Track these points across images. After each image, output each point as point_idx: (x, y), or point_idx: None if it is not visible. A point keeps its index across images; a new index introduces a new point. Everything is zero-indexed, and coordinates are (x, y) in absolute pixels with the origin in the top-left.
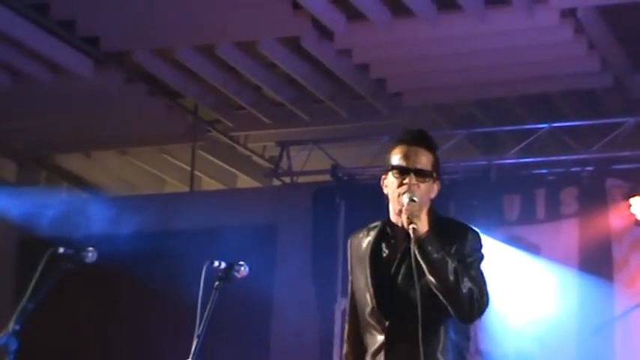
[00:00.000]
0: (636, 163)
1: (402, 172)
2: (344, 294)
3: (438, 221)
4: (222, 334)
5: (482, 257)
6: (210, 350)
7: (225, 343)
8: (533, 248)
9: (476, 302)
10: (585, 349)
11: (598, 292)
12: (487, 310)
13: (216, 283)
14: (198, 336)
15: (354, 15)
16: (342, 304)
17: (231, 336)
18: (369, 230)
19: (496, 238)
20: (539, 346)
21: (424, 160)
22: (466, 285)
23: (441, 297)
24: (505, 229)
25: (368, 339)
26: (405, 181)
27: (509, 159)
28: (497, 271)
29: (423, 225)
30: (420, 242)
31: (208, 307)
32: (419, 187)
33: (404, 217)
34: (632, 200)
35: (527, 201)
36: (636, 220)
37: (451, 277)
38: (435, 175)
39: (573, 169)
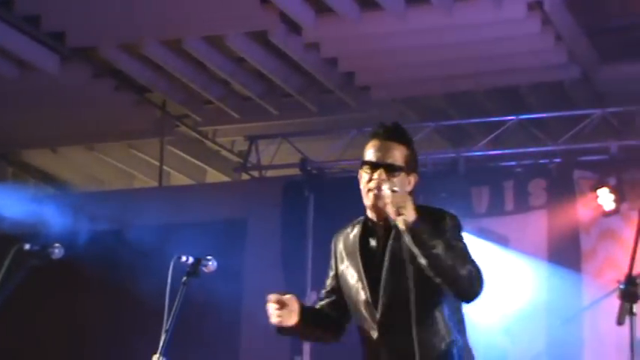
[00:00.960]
0: (603, 155)
1: (373, 167)
2: (314, 287)
3: (417, 210)
4: (192, 328)
5: (462, 239)
6: (180, 345)
7: (195, 338)
8: (502, 240)
9: (475, 280)
10: (554, 340)
11: (566, 283)
12: (482, 290)
13: (184, 277)
14: (166, 331)
15: (322, 9)
16: (312, 297)
17: (201, 331)
18: (354, 226)
19: (465, 230)
20: (509, 337)
21: (396, 154)
22: (465, 266)
23: (440, 281)
24: (474, 222)
25: (364, 332)
26: (374, 177)
27: (478, 151)
28: None
29: (410, 213)
30: (413, 230)
31: (176, 301)
32: (390, 181)
33: (390, 209)
34: (599, 191)
35: (496, 193)
36: (603, 212)
37: (448, 262)
38: (407, 168)
39: (541, 161)
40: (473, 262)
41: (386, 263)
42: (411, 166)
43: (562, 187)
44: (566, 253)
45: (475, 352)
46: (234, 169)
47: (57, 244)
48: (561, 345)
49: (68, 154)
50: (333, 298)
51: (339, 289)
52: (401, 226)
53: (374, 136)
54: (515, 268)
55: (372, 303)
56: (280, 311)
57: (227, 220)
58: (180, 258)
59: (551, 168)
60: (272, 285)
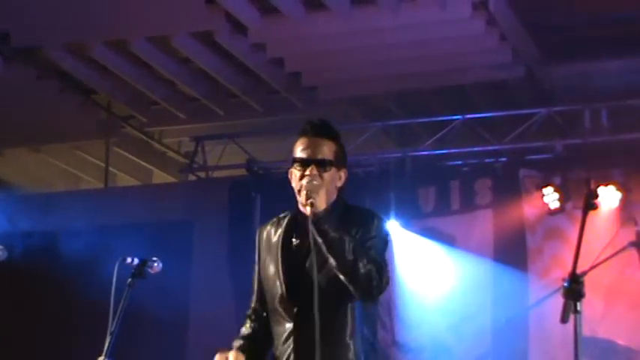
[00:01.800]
0: (548, 154)
1: (304, 164)
2: None
3: (346, 209)
4: (139, 330)
5: (386, 240)
6: (127, 347)
7: (141, 340)
8: (448, 239)
9: (374, 282)
10: (500, 338)
11: (512, 282)
12: (384, 290)
13: (129, 279)
14: (112, 333)
15: (268, 9)
16: None
17: (148, 332)
18: (279, 220)
19: (412, 230)
20: (455, 336)
21: (325, 150)
22: (365, 265)
23: (340, 276)
24: (420, 221)
25: (276, 328)
26: (306, 173)
27: (424, 151)
28: (413, 263)
29: (320, 202)
30: (317, 219)
31: (122, 303)
32: (321, 177)
33: (302, 194)
34: (544, 190)
35: (442, 192)
36: (549, 210)
37: (349, 256)
38: (337, 163)
39: (487, 160)
40: (377, 263)
41: (307, 259)
42: (340, 161)
43: (508, 186)
44: (513, 251)
45: (424, 352)
46: (180, 170)
47: (0, 247)
48: (507, 343)
49: (13, 155)
50: (262, 299)
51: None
52: (308, 212)
53: (302, 133)
54: (462, 268)
55: (287, 298)
56: None
57: (174, 221)
58: (125, 259)
59: (496, 167)
60: (219, 286)
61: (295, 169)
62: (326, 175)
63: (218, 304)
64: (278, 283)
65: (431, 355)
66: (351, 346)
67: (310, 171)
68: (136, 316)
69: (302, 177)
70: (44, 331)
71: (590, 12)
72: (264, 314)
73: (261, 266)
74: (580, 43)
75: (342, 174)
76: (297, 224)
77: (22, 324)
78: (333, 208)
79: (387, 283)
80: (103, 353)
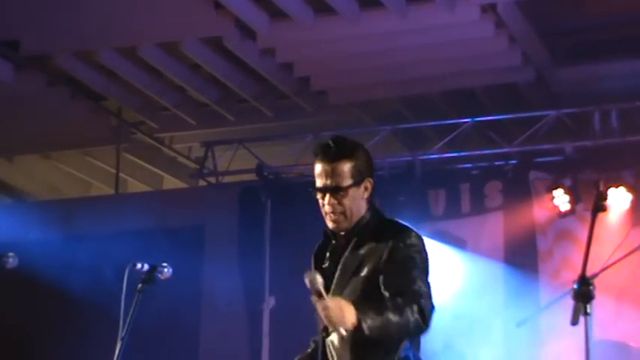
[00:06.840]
0: (558, 156)
1: (321, 192)
2: (272, 293)
3: (380, 222)
4: (150, 336)
5: (423, 260)
6: (139, 352)
7: (153, 345)
8: (459, 242)
9: (420, 325)
10: (512, 341)
11: (523, 285)
12: (432, 317)
13: (139, 285)
14: (122, 339)
15: (277, 14)
16: (270, 302)
17: (160, 337)
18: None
19: (422, 233)
20: (466, 339)
21: (341, 172)
22: (409, 316)
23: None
24: (431, 224)
25: (320, 336)
26: (325, 201)
27: (434, 154)
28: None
29: (349, 321)
30: (359, 332)
31: (132, 309)
32: (341, 203)
33: (330, 325)
34: (555, 192)
35: (453, 195)
36: (559, 212)
37: (394, 327)
38: (356, 179)
39: (497, 163)
40: (421, 302)
41: (337, 273)
42: (361, 175)
43: (518, 189)
44: (523, 254)
45: (435, 356)
46: (190, 176)
47: (11, 254)
48: (519, 346)
49: (24, 162)
50: None
51: None
52: (345, 333)
53: (316, 158)
54: (472, 270)
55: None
56: None
57: (184, 226)
58: (135, 265)
59: (506, 170)
60: (230, 291)
61: (317, 196)
62: (346, 200)
63: (229, 308)
64: None
65: (442, 359)
66: None
67: (328, 200)
68: (148, 321)
69: (323, 205)
70: (55, 338)
71: (599, 14)
72: None
73: None
74: (589, 45)
75: (368, 184)
76: (327, 243)
77: (33, 331)
78: (363, 221)
79: (432, 309)
80: (114, 359)
